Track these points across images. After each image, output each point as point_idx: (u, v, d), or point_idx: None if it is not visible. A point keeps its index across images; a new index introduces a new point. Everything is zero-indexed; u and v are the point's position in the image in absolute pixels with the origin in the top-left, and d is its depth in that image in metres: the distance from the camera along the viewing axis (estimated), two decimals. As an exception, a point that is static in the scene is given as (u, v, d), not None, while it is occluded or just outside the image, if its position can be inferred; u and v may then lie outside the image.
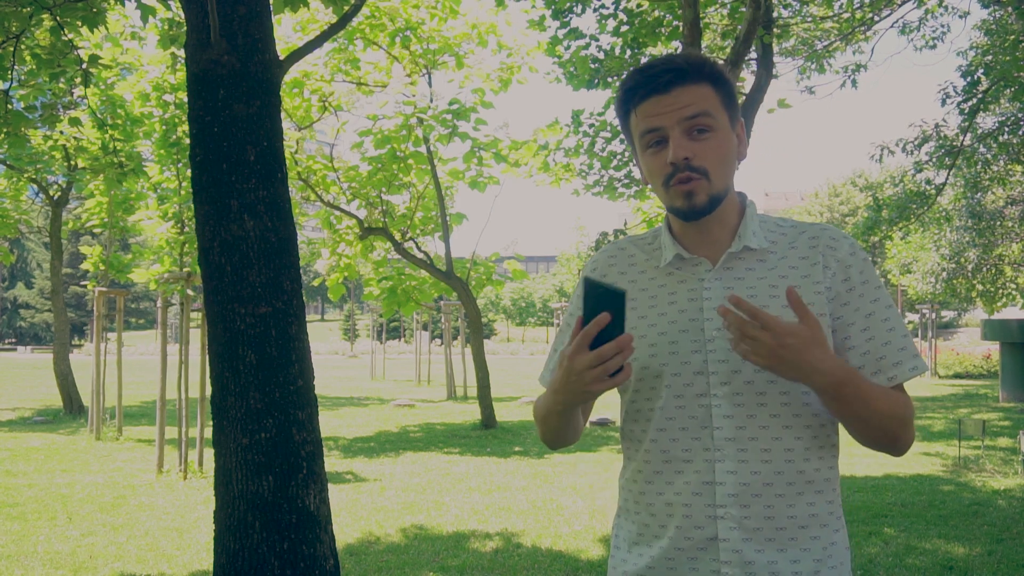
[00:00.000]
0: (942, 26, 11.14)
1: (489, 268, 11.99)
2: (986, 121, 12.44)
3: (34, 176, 13.12)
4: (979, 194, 16.06)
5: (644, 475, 1.46)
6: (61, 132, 10.70)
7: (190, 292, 7.69)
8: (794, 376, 1.28)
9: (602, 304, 1.24)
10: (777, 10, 9.18)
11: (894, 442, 1.40)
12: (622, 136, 9.91)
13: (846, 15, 10.36)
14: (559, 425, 1.47)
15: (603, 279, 1.46)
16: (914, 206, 12.32)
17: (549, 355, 1.62)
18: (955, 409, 12.55)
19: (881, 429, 1.37)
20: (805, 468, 1.39)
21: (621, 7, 8.35)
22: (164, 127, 8.29)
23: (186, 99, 3.45)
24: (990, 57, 10.51)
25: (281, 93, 3.68)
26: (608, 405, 12.13)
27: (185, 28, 3.49)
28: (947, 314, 40.84)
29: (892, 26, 11.21)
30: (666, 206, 1.46)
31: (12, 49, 5.06)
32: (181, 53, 6.95)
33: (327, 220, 11.96)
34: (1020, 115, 11.62)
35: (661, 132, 1.39)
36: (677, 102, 1.38)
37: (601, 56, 8.56)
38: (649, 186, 1.57)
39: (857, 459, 7.61)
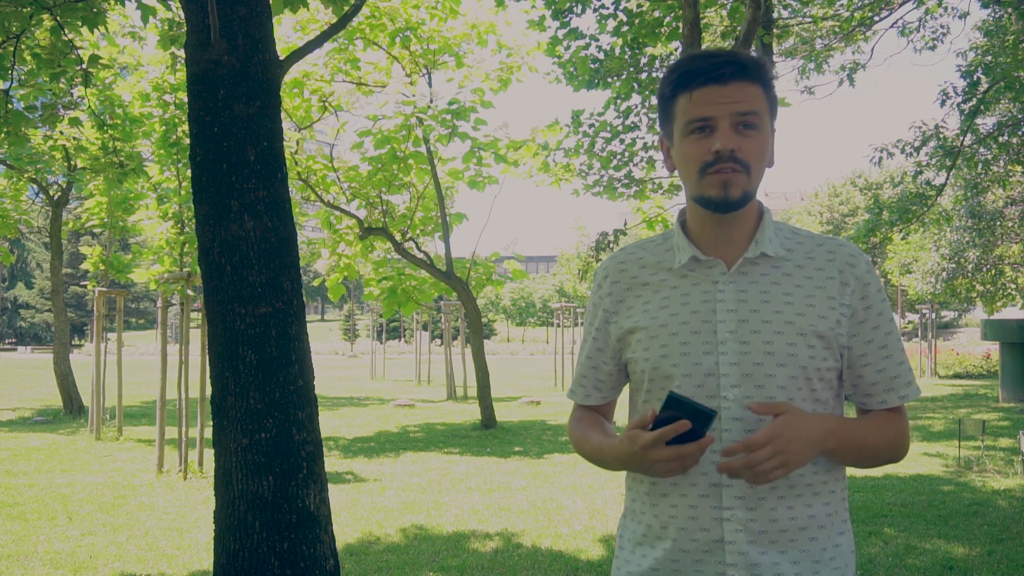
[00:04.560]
0: (942, 27, 11.15)
1: (489, 268, 11.99)
2: (986, 122, 12.45)
3: (34, 176, 13.12)
4: (979, 195, 16.06)
5: (650, 476, 1.47)
6: (61, 132, 10.70)
7: (190, 292, 7.69)
8: (807, 458, 1.33)
9: (684, 415, 1.27)
10: (777, 10, 9.18)
11: (891, 461, 1.49)
12: (622, 136, 9.93)
13: (846, 14, 10.37)
14: (613, 470, 1.53)
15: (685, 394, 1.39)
16: (914, 207, 12.32)
17: (577, 369, 1.65)
18: (955, 409, 12.55)
19: (878, 457, 1.47)
20: (805, 471, 1.40)
21: (621, 7, 8.36)
22: (164, 127, 8.29)
23: (186, 99, 3.45)
24: (990, 58, 10.51)
25: (281, 93, 3.68)
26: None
27: (185, 28, 3.49)
28: (947, 314, 40.84)
29: (892, 26, 11.21)
30: (695, 196, 1.45)
31: (12, 49, 5.06)
32: (181, 53, 6.95)
33: (327, 220, 11.96)
34: (1020, 116, 11.61)
35: (711, 122, 1.39)
36: (734, 95, 1.38)
37: (601, 56, 8.56)
38: (662, 180, 1.59)
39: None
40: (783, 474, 1.30)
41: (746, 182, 1.39)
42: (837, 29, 10.79)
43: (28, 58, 5.71)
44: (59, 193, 13.77)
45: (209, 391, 3.44)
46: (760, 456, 1.27)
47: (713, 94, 1.38)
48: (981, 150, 12.09)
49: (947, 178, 12.36)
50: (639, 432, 1.32)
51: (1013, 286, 19.75)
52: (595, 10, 8.39)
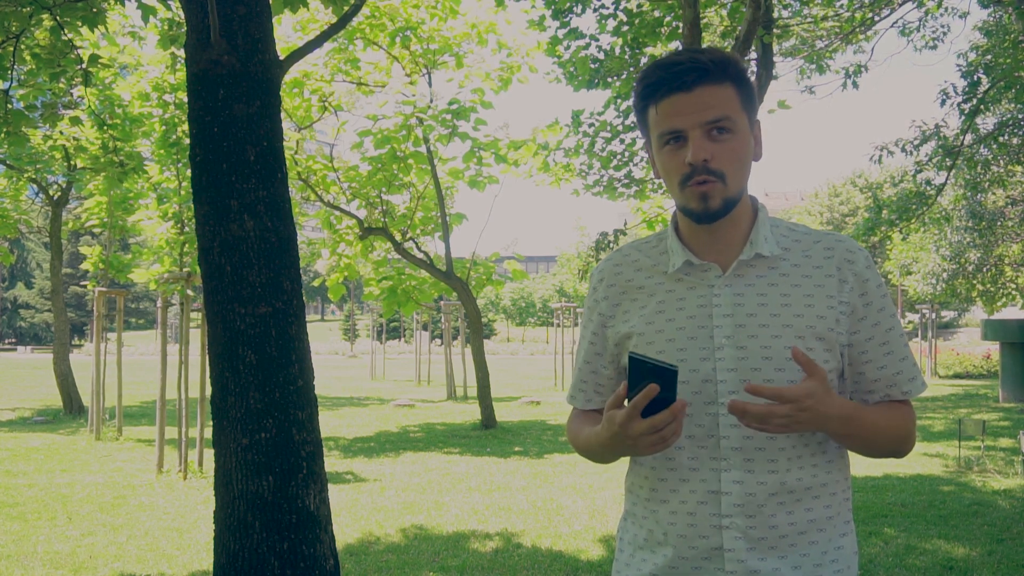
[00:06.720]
0: (942, 27, 11.14)
1: (489, 268, 11.99)
2: (986, 122, 12.44)
3: (34, 176, 13.12)
4: (979, 195, 16.06)
5: (650, 481, 1.46)
6: (61, 132, 10.70)
7: (190, 292, 7.69)
8: (811, 428, 1.30)
9: (649, 378, 1.24)
10: (777, 10, 9.17)
11: (896, 454, 1.45)
12: (622, 136, 9.94)
13: (846, 15, 10.36)
14: (608, 460, 1.50)
15: (647, 354, 1.34)
16: (914, 206, 12.31)
17: (575, 374, 1.63)
18: (955, 409, 12.55)
19: (885, 448, 1.43)
20: (803, 476, 1.39)
21: (621, 7, 8.35)
22: (164, 127, 8.29)
23: (186, 99, 3.45)
24: (990, 58, 10.51)
25: (281, 93, 3.68)
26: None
27: (185, 28, 3.49)
28: (947, 314, 40.85)
29: (892, 26, 11.21)
30: (679, 206, 1.44)
31: (12, 49, 5.06)
32: (181, 53, 6.95)
33: (327, 220, 11.96)
34: (1020, 116, 11.61)
35: (681, 132, 1.36)
36: (700, 103, 1.35)
37: (601, 56, 8.56)
38: (660, 181, 1.57)
39: (857, 460, 7.67)
40: (782, 432, 1.28)
41: (723, 190, 1.37)
42: (838, 29, 10.78)
43: (28, 58, 5.71)
44: (59, 193, 13.77)
45: (209, 391, 3.44)
46: (780, 411, 1.25)
47: (679, 103, 1.35)
48: (981, 150, 12.09)
49: (947, 178, 12.36)
50: (615, 412, 1.29)
51: (1013, 286, 19.76)
52: (595, 10, 8.39)
